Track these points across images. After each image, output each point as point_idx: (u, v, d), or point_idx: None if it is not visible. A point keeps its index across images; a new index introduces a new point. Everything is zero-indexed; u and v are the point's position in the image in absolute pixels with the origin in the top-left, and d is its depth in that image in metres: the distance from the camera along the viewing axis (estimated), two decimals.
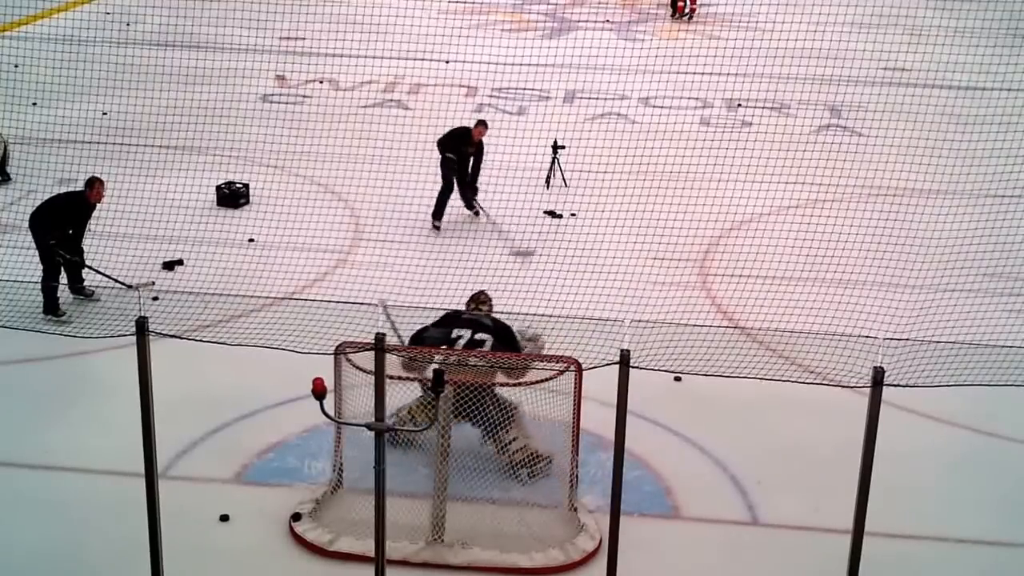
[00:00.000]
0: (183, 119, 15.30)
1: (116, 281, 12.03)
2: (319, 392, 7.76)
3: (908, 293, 12.27)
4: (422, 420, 9.04)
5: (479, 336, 9.35)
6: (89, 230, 12.39)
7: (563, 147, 15.95)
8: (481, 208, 14.80)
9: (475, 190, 14.86)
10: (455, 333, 9.38)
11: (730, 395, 9.89)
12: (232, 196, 14.99)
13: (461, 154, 14.59)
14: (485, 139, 14.87)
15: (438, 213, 14.54)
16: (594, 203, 14.90)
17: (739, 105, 20.14)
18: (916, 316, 11.38)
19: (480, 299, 10.00)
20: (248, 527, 8.79)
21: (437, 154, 14.78)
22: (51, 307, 11.79)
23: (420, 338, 9.35)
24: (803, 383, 9.18)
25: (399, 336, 9.46)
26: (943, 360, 8.37)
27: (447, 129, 14.96)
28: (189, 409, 10.02)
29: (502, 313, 9.89)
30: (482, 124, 14.85)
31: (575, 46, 21.53)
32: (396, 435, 9.04)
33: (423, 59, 21.58)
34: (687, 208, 13.26)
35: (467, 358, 9.00)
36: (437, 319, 9.59)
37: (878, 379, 6.79)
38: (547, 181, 15.90)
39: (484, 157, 14.92)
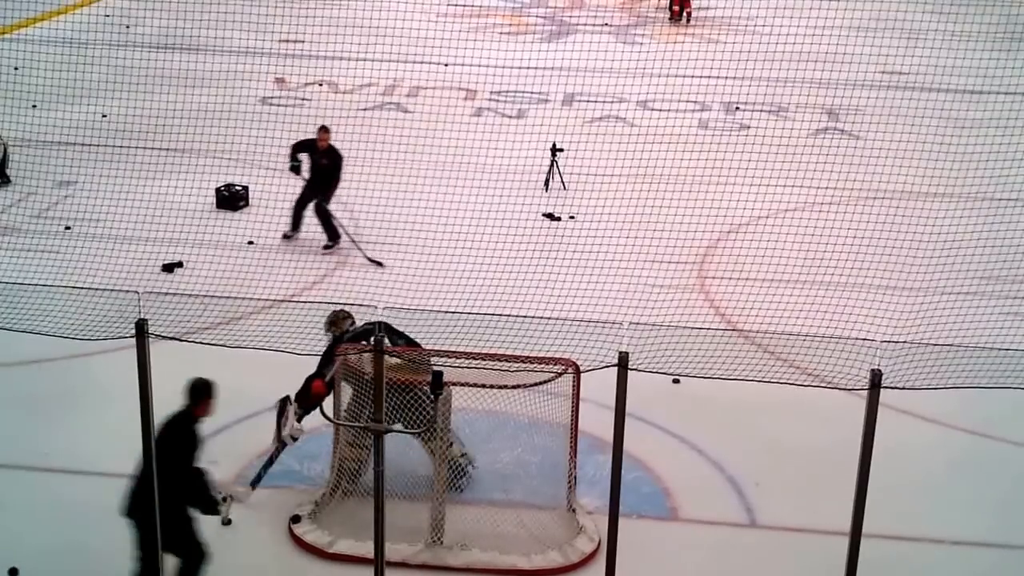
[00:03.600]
0: (182, 121, 15.34)
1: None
2: (318, 395, 7.78)
3: (906, 296, 12.30)
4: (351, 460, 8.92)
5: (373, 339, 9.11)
6: None
7: (562, 150, 15.99)
8: (342, 229, 13.75)
9: (327, 214, 13.79)
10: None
11: (728, 397, 9.92)
12: (231, 198, 15.02)
13: (313, 164, 13.82)
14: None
15: (296, 223, 13.99)
16: (593, 206, 14.93)
17: (737, 108, 20.19)
18: (914, 319, 11.41)
19: (342, 316, 9.48)
20: (247, 529, 8.80)
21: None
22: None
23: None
24: (801, 385, 9.21)
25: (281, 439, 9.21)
26: (940, 363, 8.39)
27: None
28: None
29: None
30: (323, 130, 13.90)
31: (574, 49, 21.57)
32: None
33: (422, 62, 21.63)
34: (685, 211, 13.30)
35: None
36: (351, 341, 9.14)
37: (876, 381, 6.82)
38: (546, 184, 15.94)
39: (342, 173, 13.83)
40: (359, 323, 9.35)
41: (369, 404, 8.49)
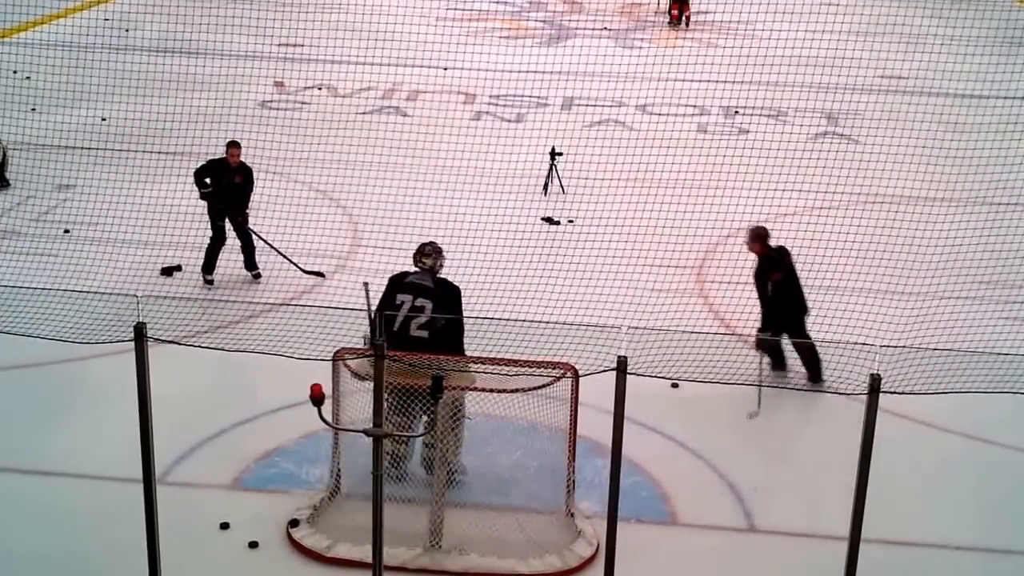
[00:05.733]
0: (182, 125, 15.33)
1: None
2: (317, 398, 7.75)
3: (905, 300, 12.30)
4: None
5: (419, 302, 9.04)
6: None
7: (561, 154, 16.00)
8: (271, 244, 13.13)
9: (249, 237, 13.10)
10: (398, 299, 9.08)
11: (727, 401, 9.93)
12: None
13: (222, 187, 12.91)
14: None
15: (208, 266, 13.11)
16: (592, 210, 14.92)
17: (736, 112, 20.20)
18: (913, 323, 11.41)
19: (424, 251, 9.37)
20: (246, 533, 8.79)
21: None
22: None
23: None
24: (800, 390, 9.22)
25: (371, 323, 9.22)
26: (939, 367, 8.39)
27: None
28: (187, 415, 10.04)
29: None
30: (233, 145, 13.01)
31: (573, 53, 21.59)
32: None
33: (421, 66, 21.65)
34: (684, 215, 13.30)
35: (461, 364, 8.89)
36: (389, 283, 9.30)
37: (875, 386, 6.82)
38: (545, 188, 15.95)
39: (255, 186, 13.15)
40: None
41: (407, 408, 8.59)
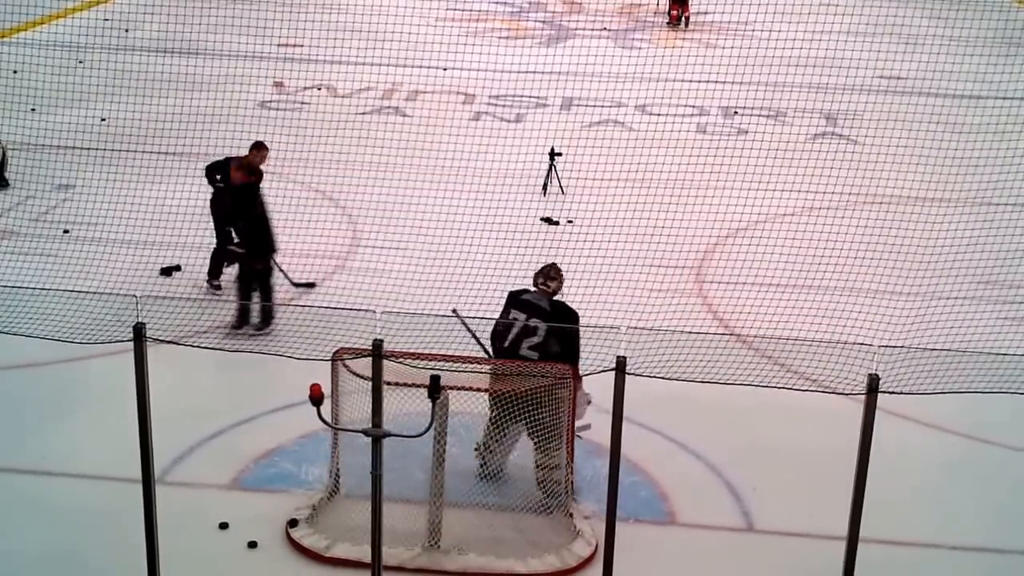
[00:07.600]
0: (181, 125, 15.34)
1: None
2: (316, 398, 7.80)
3: (904, 300, 12.31)
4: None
5: (532, 322, 9.00)
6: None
7: (560, 154, 16.01)
8: (289, 280, 12.51)
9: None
10: (512, 315, 9.09)
11: (726, 401, 9.93)
12: None
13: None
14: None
15: (215, 271, 12.82)
16: (591, 210, 14.93)
17: (735, 113, 20.21)
18: (912, 323, 11.42)
19: (548, 274, 9.24)
20: (245, 533, 8.80)
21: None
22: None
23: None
24: (799, 390, 9.21)
25: (480, 344, 9.25)
26: (938, 367, 8.40)
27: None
28: (186, 415, 10.04)
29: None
30: (261, 147, 12.57)
31: (572, 54, 21.60)
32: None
33: (421, 66, 21.66)
34: (684, 215, 13.31)
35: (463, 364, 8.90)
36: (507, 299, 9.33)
37: (873, 386, 6.83)
38: (544, 188, 15.96)
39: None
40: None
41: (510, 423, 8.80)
